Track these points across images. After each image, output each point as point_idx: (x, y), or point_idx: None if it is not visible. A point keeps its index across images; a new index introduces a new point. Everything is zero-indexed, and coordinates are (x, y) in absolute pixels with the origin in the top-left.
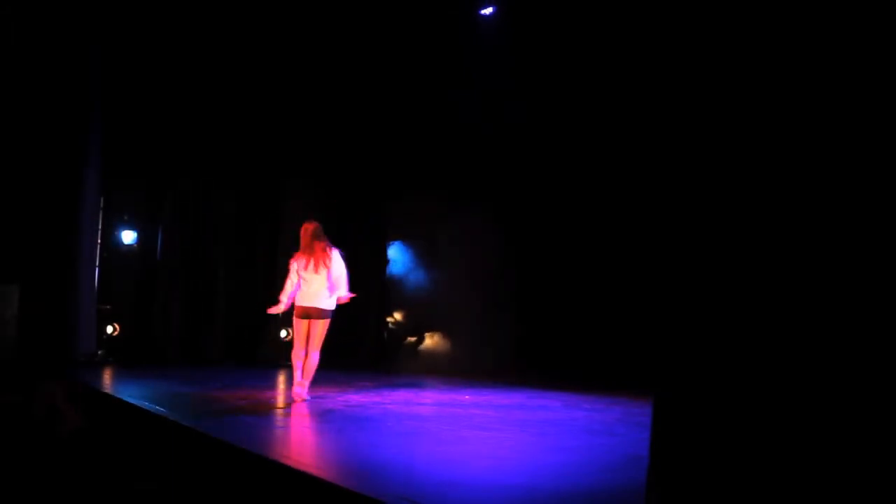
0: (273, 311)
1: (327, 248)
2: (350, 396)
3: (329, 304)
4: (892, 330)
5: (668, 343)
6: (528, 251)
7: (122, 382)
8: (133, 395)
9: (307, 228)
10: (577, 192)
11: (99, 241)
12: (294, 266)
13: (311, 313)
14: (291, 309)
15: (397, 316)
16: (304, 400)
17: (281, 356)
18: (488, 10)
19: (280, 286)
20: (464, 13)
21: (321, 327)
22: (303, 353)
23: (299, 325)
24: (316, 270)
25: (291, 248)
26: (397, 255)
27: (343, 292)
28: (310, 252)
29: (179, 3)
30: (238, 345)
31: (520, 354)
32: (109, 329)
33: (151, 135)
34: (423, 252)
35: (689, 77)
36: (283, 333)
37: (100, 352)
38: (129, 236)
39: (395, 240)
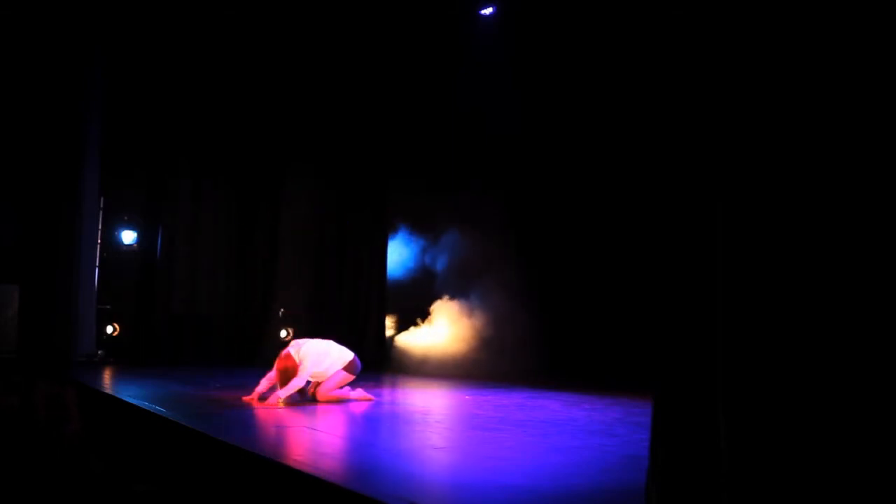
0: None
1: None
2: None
3: (322, 366)
4: None
5: (667, 343)
6: (532, 249)
7: (122, 382)
8: (133, 395)
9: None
10: (580, 190)
11: (99, 241)
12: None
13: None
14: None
15: (398, 313)
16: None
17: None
18: (488, 10)
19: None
20: (463, 8)
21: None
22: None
23: None
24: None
25: (291, 247)
26: (398, 251)
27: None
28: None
29: None
30: (238, 345)
31: (521, 354)
32: (109, 329)
33: (151, 134)
34: (425, 248)
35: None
36: (283, 333)
37: (100, 352)
38: (129, 236)
39: (397, 233)
